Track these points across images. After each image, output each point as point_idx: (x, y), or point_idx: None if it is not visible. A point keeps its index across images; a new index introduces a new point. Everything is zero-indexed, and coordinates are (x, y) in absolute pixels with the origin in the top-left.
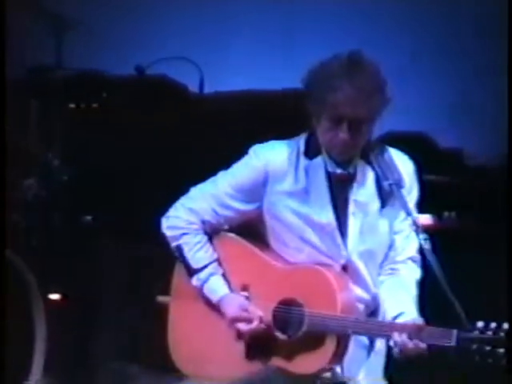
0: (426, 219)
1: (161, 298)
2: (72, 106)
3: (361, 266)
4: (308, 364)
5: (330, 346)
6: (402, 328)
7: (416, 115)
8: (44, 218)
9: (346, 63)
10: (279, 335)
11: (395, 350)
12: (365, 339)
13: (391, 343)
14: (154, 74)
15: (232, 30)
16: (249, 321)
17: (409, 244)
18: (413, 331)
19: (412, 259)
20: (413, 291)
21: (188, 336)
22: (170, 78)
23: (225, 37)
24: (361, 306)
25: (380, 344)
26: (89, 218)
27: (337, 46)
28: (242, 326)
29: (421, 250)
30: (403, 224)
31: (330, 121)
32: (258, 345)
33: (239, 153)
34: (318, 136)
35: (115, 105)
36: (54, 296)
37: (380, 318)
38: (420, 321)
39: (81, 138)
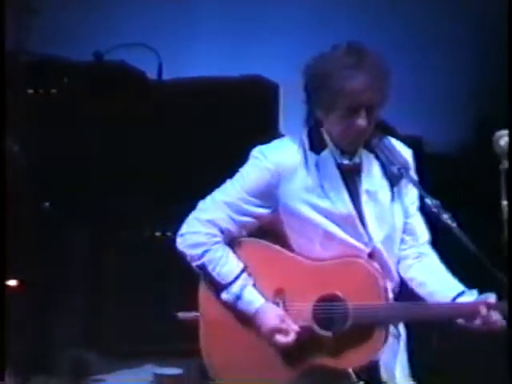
0: None
1: (182, 315)
2: (31, 91)
3: (384, 252)
4: (358, 357)
5: (379, 335)
6: (480, 306)
7: None
8: (2, 203)
9: (353, 52)
10: (323, 333)
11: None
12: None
13: (462, 323)
14: (112, 59)
15: (191, 17)
16: (286, 333)
17: (424, 227)
18: (492, 306)
19: (428, 242)
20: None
21: (223, 347)
22: (129, 64)
23: (184, 23)
24: (391, 294)
25: (402, 330)
26: (47, 204)
27: (297, 35)
28: (281, 338)
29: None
30: (414, 207)
31: (346, 110)
32: (300, 346)
33: (197, 138)
34: (325, 128)
35: (74, 90)
36: (12, 282)
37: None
38: (493, 296)
39: (40, 123)
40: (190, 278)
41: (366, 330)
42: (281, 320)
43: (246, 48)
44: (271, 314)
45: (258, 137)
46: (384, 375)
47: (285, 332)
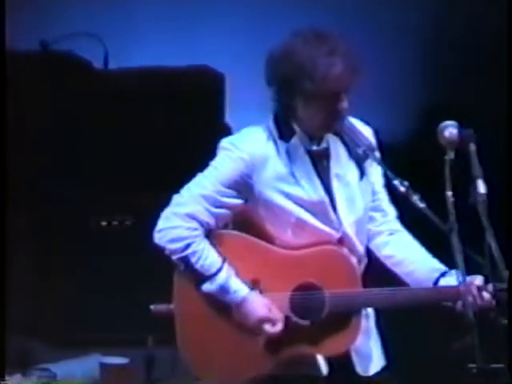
0: None
1: (154, 308)
2: None
3: (353, 236)
4: (337, 344)
5: (357, 321)
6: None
7: None
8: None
9: (324, 39)
10: (300, 322)
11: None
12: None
13: (458, 305)
14: (58, 49)
15: (137, 7)
16: (274, 322)
17: (390, 204)
18: (482, 288)
19: (397, 218)
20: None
21: (201, 341)
22: (75, 54)
23: (130, 13)
24: None
25: (370, 309)
26: None
27: (243, 25)
28: (269, 328)
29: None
30: (380, 185)
31: (329, 96)
32: (279, 336)
33: (143, 127)
34: (300, 115)
35: (19, 79)
36: None
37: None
38: (480, 278)
39: None
40: (136, 266)
41: (343, 317)
42: (268, 309)
43: (192, 38)
44: (259, 304)
45: (203, 126)
46: (355, 358)
47: (273, 321)
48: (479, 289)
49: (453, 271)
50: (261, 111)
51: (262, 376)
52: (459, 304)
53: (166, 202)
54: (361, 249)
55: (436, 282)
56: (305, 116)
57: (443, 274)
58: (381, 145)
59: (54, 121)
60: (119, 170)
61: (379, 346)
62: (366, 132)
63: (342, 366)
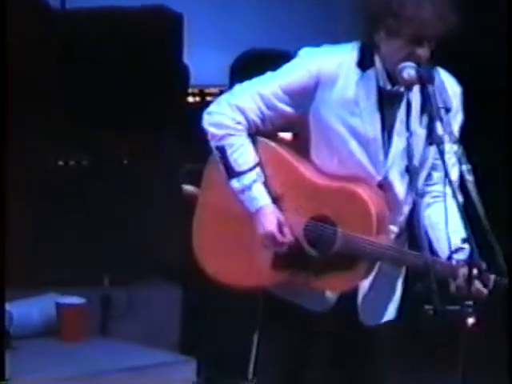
0: None
1: (185, 187)
2: None
3: (397, 185)
4: (338, 282)
5: (362, 265)
6: (460, 269)
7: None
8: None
9: None
10: (309, 250)
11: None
12: None
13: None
14: None
15: None
16: (280, 240)
17: (453, 168)
18: (475, 274)
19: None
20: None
21: (215, 238)
22: None
23: None
24: (394, 228)
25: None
26: None
27: None
28: (271, 244)
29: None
30: (447, 146)
31: (410, 39)
32: (286, 256)
33: (101, 68)
34: (382, 52)
35: None
36: None
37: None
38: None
39: None
40: (93, 205)
41: (350, 258)
42: (278, 228)
43: None
44: (272, 218)
45: (161, 67)
46: (360, 304)
47: (279, 239)
48: (471, 274)
49: (467, 247)
50: (218, 51)
51: (261, 289)
52: (457, 282)
53: (123, 141)
54: (403, 200)
55: (450, 255)
56: (385, 53)
57: (458, 250)
58: None
59: (11, 61)
60: (76, 109)
61: (396, 303)
62: (452, 90)
63: (345, 309)
